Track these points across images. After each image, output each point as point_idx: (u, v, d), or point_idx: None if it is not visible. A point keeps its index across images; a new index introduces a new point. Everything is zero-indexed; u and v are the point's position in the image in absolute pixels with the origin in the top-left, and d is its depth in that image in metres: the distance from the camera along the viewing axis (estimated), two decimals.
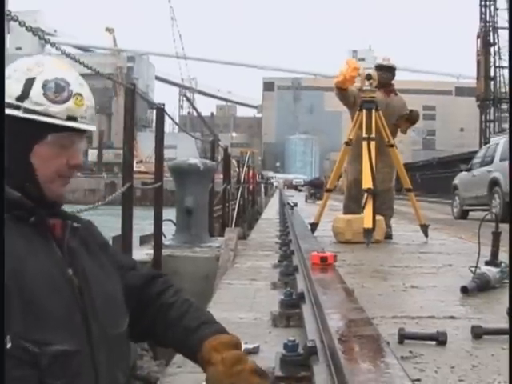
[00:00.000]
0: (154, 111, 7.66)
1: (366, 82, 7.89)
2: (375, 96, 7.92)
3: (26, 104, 1.64)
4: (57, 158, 1.67)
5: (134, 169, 6.25)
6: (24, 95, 1.65)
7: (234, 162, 19.40)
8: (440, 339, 2.78)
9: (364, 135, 7.67)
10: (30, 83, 1.65)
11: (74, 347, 1.53)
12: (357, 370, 1.44)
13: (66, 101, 1.66)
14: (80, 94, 1.70)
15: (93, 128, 1.74)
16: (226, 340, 1.75)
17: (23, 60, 1.75)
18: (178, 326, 1.81)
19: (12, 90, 1.65)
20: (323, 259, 3.71)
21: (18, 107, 1.64)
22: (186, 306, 1.84)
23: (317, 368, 1.95)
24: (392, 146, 8.07)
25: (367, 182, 7.32)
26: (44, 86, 1.66)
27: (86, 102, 1.71)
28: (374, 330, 1.99)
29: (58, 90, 1.66)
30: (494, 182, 13.85)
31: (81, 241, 1.73)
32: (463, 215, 15.92)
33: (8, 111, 1.63)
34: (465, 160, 19.66)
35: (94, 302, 1.64)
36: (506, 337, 2.83)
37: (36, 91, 1.65)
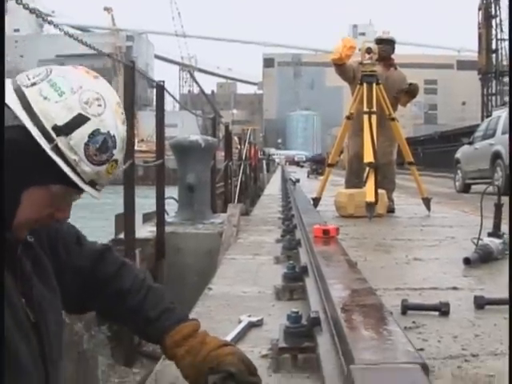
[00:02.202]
0: (155, 90, 7.63)
1: (367, 56, 7.86)
2: (376, 70, 7.89)
3: (61, 142, 1.37)
4: (46, 207, 1.45)
5: (136, 148, 6.27)
6: (65, 130, 1.38)
7: (235, 139, 19.38)
8: (443, 310, 2.79)
9: (365, 109, 7.64)
10: (80, 121, 1.39)
11: None
12: (360, 337, 1.45)
13: (101, 164, 1.42)
14: (117, 161, 1.46)
15: (99, 196, 1.49)
16: (185, 331, 1.78)
17: (87, 80, 1.44)
18: (136, 315, 1.79)
19: (55, 114, 1.38)
20: (325, 232, 3.72)
21: (50, 139, 1.37)
22: (144, 292, 1.80)
23: (320, 338, 1.97)
24: (393, 119, 8.05)
25: (369, 156, 7.31)
26: (92, 136, 1.39)
27: (116, 171, 1.49)
28: (376, 299, 2.00)
29: (101, 149, 1.41)
30: (496, 155, 13.83)
31: (34, 259, 1.57)
32: (465, 189, 15.91)
33: (35, 134, 1.36)
34: (467, 134, 19.63)
35: (49, 338, 1.52)
36: (508, 307, 2.84)
37: (80, 136, 1.39)
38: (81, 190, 1.45)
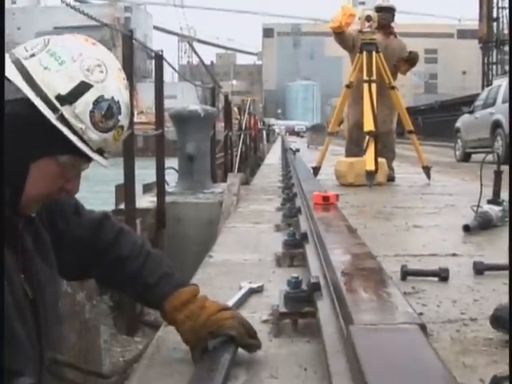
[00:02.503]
0: (153, 61, 7.59)
1: (366, 24, 7.81)
2: (375, 38, 7.85)
3: (66, 111, 1.36)
4: (56, 179, 1.43)
5: (136, 120, 6.25)
6: (69, 99, 1.36)
7: (235, 109, 19.33)
8: (442, 275, 2.81)
9: (365, 78, 7.62)
10: (83, 89, 1.36)
11: (35, 379, 1.42)
12: (359, 300, 1.46)
13: (107, 130, 1.40)
14: (123, 127, 1.45)
15: (107, 164, 1.48)
16: (184, 297, 1.79)
17: (86, 48, 1.42)
18: (135, 281, 1.80)
19: (57, 83, 1.36)
20: (325, 199, 3.73)
21: (54, 108, 1.35)
22: (142, 258, 1.81)
23: (320, 303, 1.98)
24: (393, 87, 8.02)
25: (369, 125, 7.30)
26: (96, 103, 1.38)
27: (123, 137, 1.48)
28: (376, 263, 2.01)
29: (107, 116, 1.39)
30: (497, 124, 13.80)
31: (34, 233, 1.55)
32: (466, 158, 15.91)
33: (39, 104, 1.34)
34: (467, 103, 19.55)
35: (46, 314, 1.52)
36: (507, 272, 2.86)
37: (85, 103, 1.37)
38: (89, 159, 1.44)
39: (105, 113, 1.38)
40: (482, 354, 1.98)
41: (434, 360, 1.07)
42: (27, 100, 1.34)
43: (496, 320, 2.04)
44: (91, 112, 1.36)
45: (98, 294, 4.73)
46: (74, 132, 1.36)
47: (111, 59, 1.45)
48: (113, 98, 1.39)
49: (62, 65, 1.36)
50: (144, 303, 2.03)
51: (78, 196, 1.69)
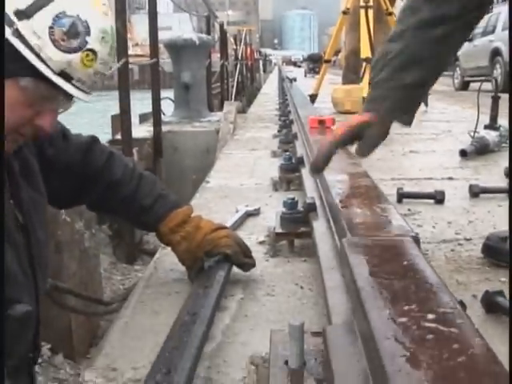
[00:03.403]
0: None
1: None
2: None
3: (22, 25, 1.25)
4: (22, 108, 1.31)
5: (131, 52, 6.17)
6: (26, 13, 1.25)
7: (231, 39, 19.08)
8: (438, 198, 2.82)
9: (361, 3, 7.50)
10: (43, 3, 1.25)
11: (31, 306, 1.39)
12: (353, 215, 1.47)
13: (71, 51, 1.28)
14: (94, 53, 1.32)
15: (85, 98, 1.37)
16: (180, 218, 1.80)
17: None
18: (130, 205, 1.79)
19: None
20: (321, 122, 3.72)
21: (11, 23, 1.24)
22: (135, 181, 1.79)
23: (316, 223, 1.99)
24: (391, 14, 7.91)
25: (365, 51, 7.22)
26: (57, 19, 1.26)
27: (97, 66, 1.34)
28: (371, 181, 2.02)
29: (70, 34, 1.27)
30: (496, 52, 13.65)
31: (21, 160, 1.50)
32: (464, 86, 15.79)
33: None
34: None
35: (37, 239, 1.49)
36: (503, 195, 2.88)
37: (44, 18, 1.26)
38: (59, 91, 1.32)
39: (67, 30, 1.27)
40: (475, 272, 2.00)
41: (426, 269, 1.08)
42: None
43: (487, 249, 2.06)
44: (50, 28, 1.26)
45: (96, 222, 4.76)
46: (31, 48, 1.25)
47: None
48: (78, 16, 1.28)
49: None
50: (139, 226, 2.04)
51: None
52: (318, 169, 1.78)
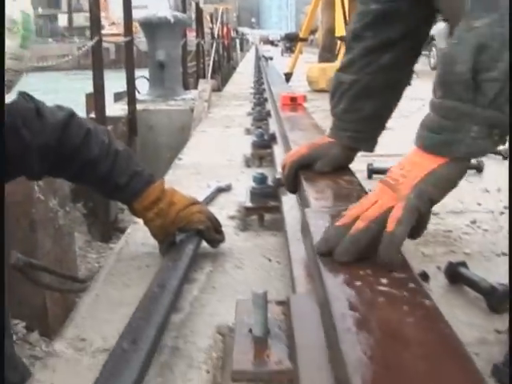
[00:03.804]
0: None
1: None
2: None
3: None
4: None
5: (107, 31, 6.13)
6: None
7: (207, 17, 18.97)
8: None
9: None
10: None
11: None
12: (316, 189, 1.50)
13: None
14: None
15: None
16: (154, 196, 1.81)
17: None
18: (106, 183, 1.80)
19: None
20: (293, 99, 3.75)
21: None
22: (112, 158, 1.78)
23: (285, 197, 2.02)
24: None
25: (340, 30, 7.22)
26: None
27: (7, 63, 1.25)
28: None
29: None
30: None
31: None
32: None
33: None
34: None
35: None
36: (471, 171, 2.91)
37: None
38: None
39: None
40: (441, 245, 2.04)
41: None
42: None
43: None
44: None
45: (71, 200, 4.75)
46: None
47: None
48: None
49: None
50: (115, 200, 2.06)
51: None
52: (290, 191, 1.80)
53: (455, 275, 1.71)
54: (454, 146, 1.01)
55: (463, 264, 1.71)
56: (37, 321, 3.66)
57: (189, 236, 1.81)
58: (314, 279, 1.09)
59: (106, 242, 5.41)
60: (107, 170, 1.78)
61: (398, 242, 0.98)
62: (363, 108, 1.73)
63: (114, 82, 7.70)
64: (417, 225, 1.02)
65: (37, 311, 3.67)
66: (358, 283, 0.92)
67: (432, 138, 1.03)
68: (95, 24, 5.50)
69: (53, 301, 3.74)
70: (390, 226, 0.99)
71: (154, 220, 1.82)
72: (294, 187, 1.73)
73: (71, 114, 1.77)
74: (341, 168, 1.67)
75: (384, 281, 0.91)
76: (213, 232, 1.85)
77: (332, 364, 0.86)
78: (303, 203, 1.52)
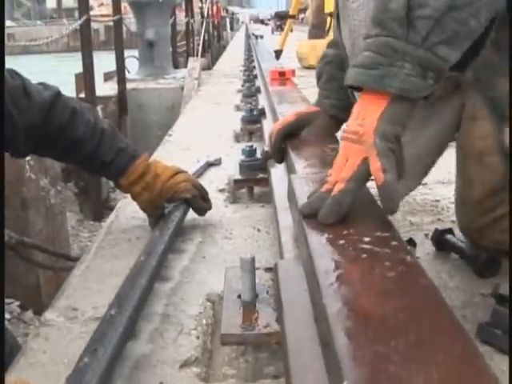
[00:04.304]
0: None
1: None
2: None
3: None
4: None
5: (96, 12, 6.09)
6: None
7: None
8: None
9: None
10: None
11: None
12: (303, 157, 1.51)
13: None
14: None
15: None
16: (139, 171, 1.82)
17: None
18: (92, 161, 1.80)
19: None
20: (281, 74, 3.75)
21: None
22: (98, 137, 1.78)
23: (274, 169, 2.03)
24: None
25: (329, 6, 7.21)
26: None
27: None
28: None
29: None
30: None
31: None
32: None
33: None
34: None
35: None
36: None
37: None
38: None
39: None
40: (429, 214, 2.06)
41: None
42: None
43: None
44: None
45: (62, 180, 4.76)
46: None
47: None
48: None
49: None
50: (102, 177, 2.07)
51: None
52: (276, 160, 1.81)
53: (442, 242, 1.73)
54: (387, 79, 1.02)
55: (450, 231, 1.73)
56: (31, 300, 3.68)
57: (176, 205, 1.83)
58: (299, 239, 1.11)
59: (98, 220, 5.42)
60: (93, 149, 1.79)
61: (393, 188, 1.00)
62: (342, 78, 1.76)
63: (105, 62, 7.68)
64: (397, 164, 1.04)
65: (30, 290, 3.69)
66: (342, 242, 0.93)
67: (367, 74, 1.04)
68: (83, 3, 5.47)
69: (46, 279, 3.76)
70: (379, 178, 1.01)
71: (141, 194, 1.84)
72: (281, 156, 1.75)
73: (57, 93, 1.77)
74: (327, 136, 1.68)
75: (367, 239, 0.93)
76: (200, 200, 1.87)
77: (316, 321, 0.88)
78: (290, 171, 1.54)
